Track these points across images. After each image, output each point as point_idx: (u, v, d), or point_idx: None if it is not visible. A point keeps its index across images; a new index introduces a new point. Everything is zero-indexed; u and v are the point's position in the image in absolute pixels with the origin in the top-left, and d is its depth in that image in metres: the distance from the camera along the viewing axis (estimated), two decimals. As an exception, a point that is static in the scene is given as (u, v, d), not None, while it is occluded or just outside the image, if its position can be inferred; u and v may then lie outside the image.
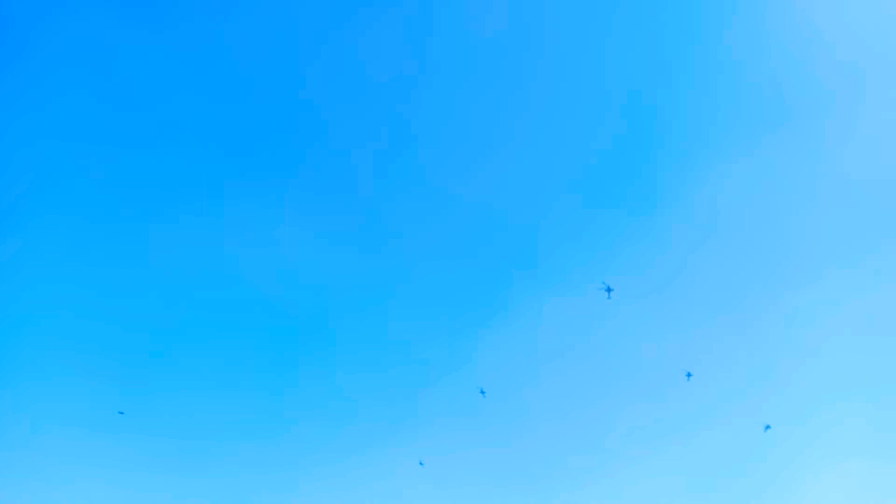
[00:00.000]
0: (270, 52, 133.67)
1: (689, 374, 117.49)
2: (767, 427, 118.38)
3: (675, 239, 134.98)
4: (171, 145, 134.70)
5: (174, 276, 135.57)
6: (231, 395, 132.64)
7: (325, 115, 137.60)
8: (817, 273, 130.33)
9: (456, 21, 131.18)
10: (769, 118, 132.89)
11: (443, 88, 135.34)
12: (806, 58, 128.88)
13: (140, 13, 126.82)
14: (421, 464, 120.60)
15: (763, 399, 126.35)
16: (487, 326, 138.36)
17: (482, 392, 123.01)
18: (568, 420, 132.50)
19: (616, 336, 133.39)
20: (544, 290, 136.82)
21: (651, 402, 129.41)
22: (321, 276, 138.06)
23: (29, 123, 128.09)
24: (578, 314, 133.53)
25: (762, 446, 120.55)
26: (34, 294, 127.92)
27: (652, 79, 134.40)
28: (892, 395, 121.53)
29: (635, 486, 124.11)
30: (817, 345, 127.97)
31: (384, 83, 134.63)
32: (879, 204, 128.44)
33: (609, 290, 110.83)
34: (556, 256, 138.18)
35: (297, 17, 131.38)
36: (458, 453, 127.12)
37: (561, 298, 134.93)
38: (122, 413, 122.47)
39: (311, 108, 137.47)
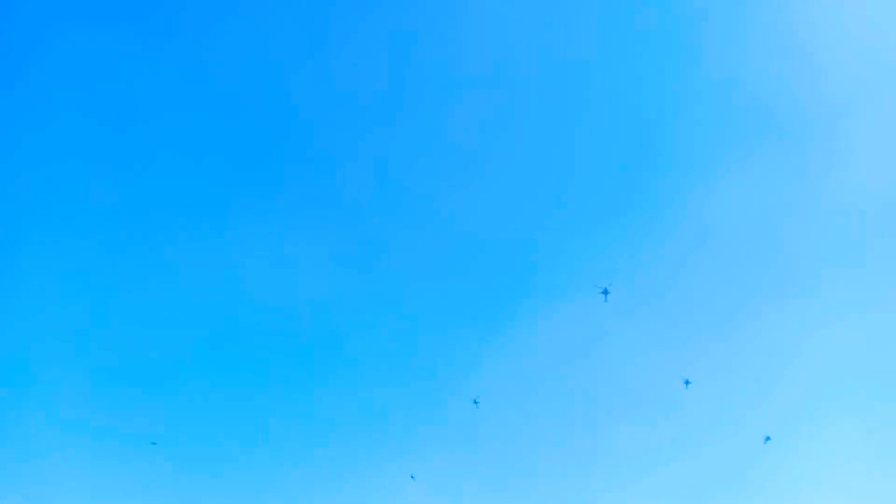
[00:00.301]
0: (273, 79, 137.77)
1: (686, 382, 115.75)
2: (767, 438, 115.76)
3: (670, 252, 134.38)
4: (173, 167, 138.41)
5: (178, 296, 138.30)
6: (233, 412, 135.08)
7: (324, 135, 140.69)
8: (812, 283, 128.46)
9: (448, 36, 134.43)
10: (764, 131, 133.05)
11: (440, 103, 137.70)
12: (802, 72, 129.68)
13: (144, 38, 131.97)
14: (412, 478, 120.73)
15: (761, 411, 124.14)
16: (485, 342, 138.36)
17: (475, 402, 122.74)
18: (565, 435, 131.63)
19: (612, 349, 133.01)
20: (541, 304, 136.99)
21: (648, 415, 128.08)
22: (322, 294, 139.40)
23: (31, 143, 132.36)
24: (576, 328, 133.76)
25: (761, 459, 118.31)
26: (42, 315, 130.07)
27: (647, 91, 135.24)
28: (887, 403, 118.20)
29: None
30: (813, 355, 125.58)
31: (383, 99, 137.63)
32: (873, 214, 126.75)
33: (606, 292, 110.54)
34: (552, 270, 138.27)
35: (297, 44, 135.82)
36: (454, 468, 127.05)
37: (559, 311, 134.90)
38: (154, 444, 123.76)
39: (313, 130, 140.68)
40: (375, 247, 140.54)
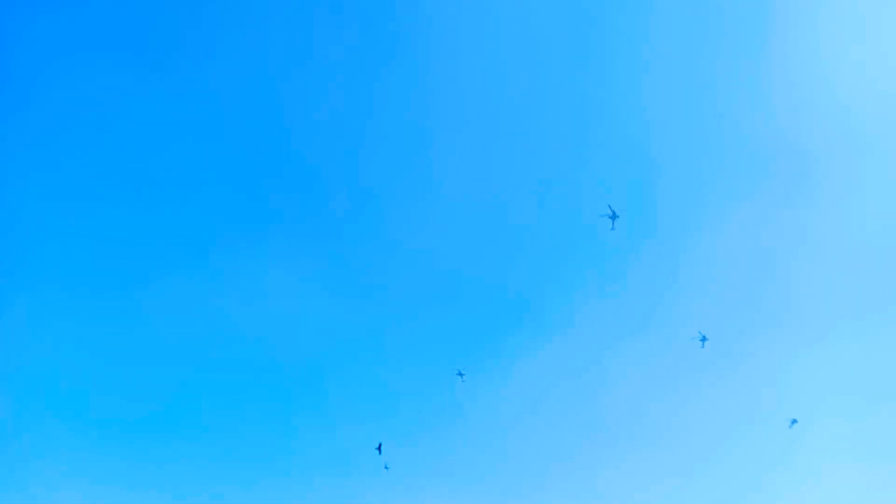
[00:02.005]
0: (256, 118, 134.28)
1: (703, 339, 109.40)
2: (794, 421, 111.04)
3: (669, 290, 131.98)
4: (153, 204, 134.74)
5: (160, 337, 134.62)
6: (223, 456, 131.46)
7: (309, 166, 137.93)
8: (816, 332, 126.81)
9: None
10: (771, 174, 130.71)
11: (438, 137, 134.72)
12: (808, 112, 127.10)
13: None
14: (386, 468, 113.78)
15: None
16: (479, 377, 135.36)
17: (460, 374, 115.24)
18: (558, 477, 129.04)
19: (606, 387, 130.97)
20: (536, 340, 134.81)
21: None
22: (307, 330, 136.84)
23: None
24: (571, 362, 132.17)
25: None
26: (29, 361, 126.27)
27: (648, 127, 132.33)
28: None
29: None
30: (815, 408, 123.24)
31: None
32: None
33: (614, 216, 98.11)
34: (546, 305, 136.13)
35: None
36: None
37: (554, 347, 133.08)
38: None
39: (299, 162, 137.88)
40: (359, 278, 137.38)
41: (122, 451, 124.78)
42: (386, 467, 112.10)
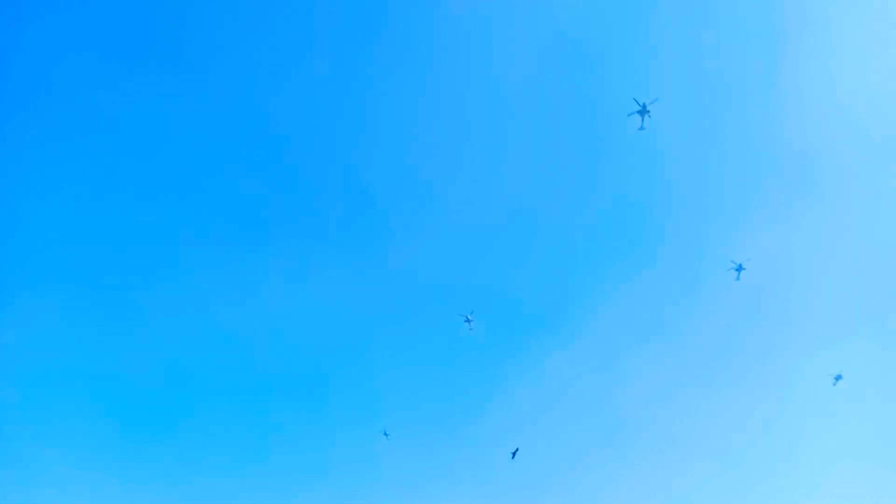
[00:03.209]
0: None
1: (739, 268, 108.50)
2: (838, 378, 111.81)
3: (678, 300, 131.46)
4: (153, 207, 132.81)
5: (159, 338, 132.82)
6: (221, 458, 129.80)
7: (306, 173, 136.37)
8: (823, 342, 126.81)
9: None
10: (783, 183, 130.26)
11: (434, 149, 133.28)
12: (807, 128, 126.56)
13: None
14: (385, 435, 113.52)
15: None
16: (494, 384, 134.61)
17: (467, 320, 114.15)
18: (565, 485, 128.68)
19: (622, 395, 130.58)
20: (550, 348, 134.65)
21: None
22: (313, 332, 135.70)
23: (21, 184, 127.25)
24: (585, 368, 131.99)
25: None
26: (31, 361, 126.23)
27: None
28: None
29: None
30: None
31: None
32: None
33: (643, 111, 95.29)
34: (561, 312, 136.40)
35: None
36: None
37: (568, 354, 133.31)
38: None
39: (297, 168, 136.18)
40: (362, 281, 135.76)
41: (123, 451, 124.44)
42: (385, 434, 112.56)
